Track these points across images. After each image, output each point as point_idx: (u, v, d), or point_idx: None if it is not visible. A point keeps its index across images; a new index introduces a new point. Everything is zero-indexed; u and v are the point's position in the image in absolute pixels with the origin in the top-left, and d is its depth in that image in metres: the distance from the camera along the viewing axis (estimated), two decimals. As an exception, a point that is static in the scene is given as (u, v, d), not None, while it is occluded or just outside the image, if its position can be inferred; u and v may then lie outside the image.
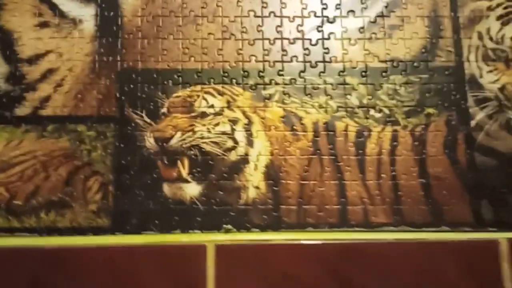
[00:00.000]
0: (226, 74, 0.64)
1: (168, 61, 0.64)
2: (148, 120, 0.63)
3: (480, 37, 0.65)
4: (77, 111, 0.63)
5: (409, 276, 0.59)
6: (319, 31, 0.65)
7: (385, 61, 0.64)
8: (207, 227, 0.60)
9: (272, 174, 0.61)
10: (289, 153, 0.62)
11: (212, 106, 0.63)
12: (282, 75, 0.64)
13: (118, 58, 0.64)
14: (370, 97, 0.63)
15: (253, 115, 0.63)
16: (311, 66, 0.64)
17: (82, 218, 0.60)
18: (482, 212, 0.60)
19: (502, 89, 0.63)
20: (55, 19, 0.65)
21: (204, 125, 0.62)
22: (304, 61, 0.64)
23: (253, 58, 0.64)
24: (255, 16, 0.65)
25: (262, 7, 0.66)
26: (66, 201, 0.60)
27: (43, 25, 0.65)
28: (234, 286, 0.58)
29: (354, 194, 0.61)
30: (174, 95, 0.63)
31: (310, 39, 0.65)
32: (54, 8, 0.65)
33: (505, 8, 0.65)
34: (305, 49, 0.65)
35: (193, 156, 0.61)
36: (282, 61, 0.64)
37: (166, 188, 0.61)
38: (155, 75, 0.64)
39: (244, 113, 0.63)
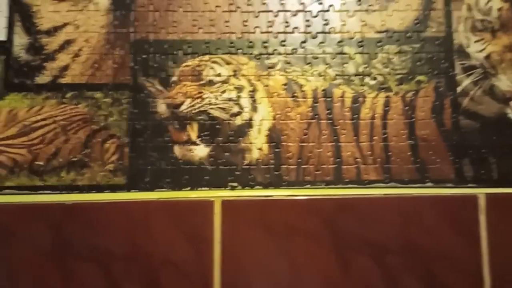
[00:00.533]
0: (232, 44, 0.66)
1: (178, 33, 0.66)
2: (160, 88, 0.65)
3: (469, 8, 0.66)
4: (93, 79, 0.65)
5: (397, 226, 0.61)
6: (319, 3, 0.67)
7: (380, 32, 0.66)
8: (214, 185, 0.63)
9: (274, 137, 0.64)
10: (290, 117, 0.64)
11: (219, 75, 0.65)
12: (284, 45, 0.66)
13: (131, 30, 0.66)
14: (365, 65, 0.65)
15: (257, 83, 0.65)
16: (312, 37, 0.66)
17: (100, 177, 0.63)
18: (464, 170, 0.63)
19: (487, 57, 0.65)
20: (71, -7, 0.66)
21: (211, 92, 0.65)
22: (305, 32, 0.66)
23: (258, 29, 0.66)
24: (260, -11, 0.67)
25: (267, -19, 0.67)
26: (85, 161, 0.63)
27: (61, -2, 0.66)
28: (239, 237, 0.61)
29: (349, 154, 0.64)
30: (184, 64, 0.65)
31: (311, 11, 0.67)
32: (70, -18, 0.66)
33: (494, -19, 0.66)
34: (306, 20, 0.67)
35: (201, 121, 0.64)
36: (285, 32, 0.66)
37: (177, 150, 0.63)
38: (166, 46, 0.65)
39: (249, 81, 0.65)
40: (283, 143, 0.64)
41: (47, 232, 0.61)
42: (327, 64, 0.66)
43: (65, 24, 0.66)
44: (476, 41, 0.66)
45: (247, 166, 0.64)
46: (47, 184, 0.63)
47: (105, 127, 0.64)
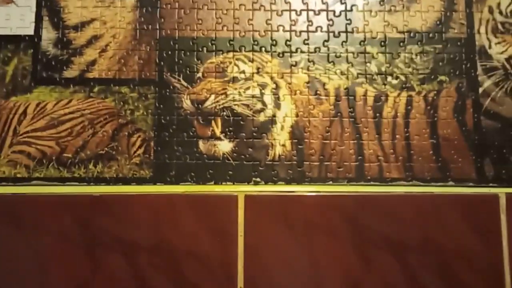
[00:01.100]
0: (256, 42, 0.67)
1: (203, 30, 0.67)
2: (185, 84, 0.66)
3: (491, 11, 0.67)
4: (120, 75, 0.66)
5: (418, 225, 0.62)
6: (342, 3, 0.67)
7: (403, 32, 0.67)
8: (238, 180, 0.63)
9: (297, 133, 0.65)
10: (313, 115, 0.65)
11: (243, 72, 0.66)
12: (307, 44, 0.67)
13: (157, 27, 0.67)
14: (388, 65, 0.66)
15: (280, 81, 0.66)
16: (334, 36, 0.67)
17: (127, 170, 0.64)
18: (485, 169, 0.64)
19: (508, 59, 0.66)
20: (98, -11, 0.67)
21: (235, 89, 0.66)
22: (328, 31, 0.67)
23: (281, 28, 0.67)
24: (284, -11, 0.68)
25: (290, -20, 0.68)
26: (112, 154, 0.64)
27: (87, -6, 0.68)
28: (261, 231, 0.62)
29: (371, 152, 0.64)
30: (209, 61, 0.66)
31: (334, 11, 0.67)
32: (97, -21, 0.67)
33: (515, -16, 0.67)
34: (329, 20, 0.67)
35: (225, 117, 0.65)
36: (308, 31, 0.67)
37: (201, 145, 0.64)
38: (191, 43, 0.66)
39: (272, 78, 0.66)
40: (305, 140, 0.65)
41: (74, 223, 0.62)
42: (349, 63, 0.66)
43: (92, 20, 0.67)
44: (497, 43, 0.66)
45: (270, 162, 0.64)
46: (74, 176, 0.64)
47: (132, 121, 0.65)
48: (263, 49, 0.67)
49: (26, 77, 0.66)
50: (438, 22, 0.67)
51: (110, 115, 0.65)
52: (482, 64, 0.66)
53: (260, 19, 0.67)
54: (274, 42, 0.67)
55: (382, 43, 0.67)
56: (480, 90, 0.66)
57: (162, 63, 0.66)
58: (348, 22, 0.67)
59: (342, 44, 0.67)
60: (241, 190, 0.63)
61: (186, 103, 0.65)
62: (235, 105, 0.65)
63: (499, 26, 0.67)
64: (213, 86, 0.66)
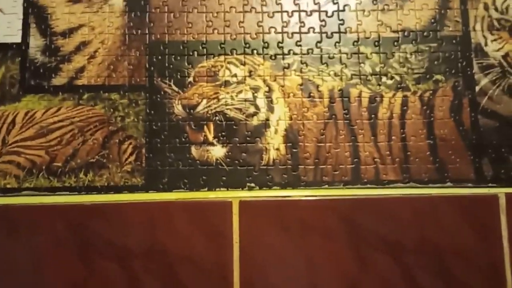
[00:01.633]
0: (247, 45, 0.66)
1: (193, 34, 0.66)
2: (176, 89, 0.65)
3: (486, 7, 0.66)
4: (110, 81, 0.65)
5: (416, 226, 0.61)
6: (334, 3, 0.67)
7: (397, 31, 0.66)
8: (232, 185, 0.63)
9: (291, 137, 0.64)
10: (307, 117, 0.64)
11: (235, 75, 0.65)
12: (300, 45, 0.66)
13: (147, 31, 0.66)
14: (382, 65, 0.65)
15: (273, 83, 0.65)
16: (327, 37, 0.66)
17: (118, 178, 0.63)
18: (483, 169, 0.63)
19: (505, 56, 0.65)
20: (86, -5, 0.67)
21: (227, 93, 0.65)
22: (321, 32, 0.66)
23: (273, 29, 0.66)
24: (274, -10, 0.67)
25: (281, -19, 0.67)
26: (103, 162, 0.63)
27: (75, 0, 0.66)
28: (257, 236, 0.61)
29: (367, 154, 0.63)
30: (200, 65, 0.65)
31: (326, 11, 0.67)
32: (85, -16, 0.66)
33: (510, -20, 0.66)
34: (321, 20, 0.66)
35: (218, 121, 0.64)
36: (300, 32, 0.66)
37: (194, 151, 0.63)
38: (181, 47, 0.65)
39: (264, 81, 0.65)
40: (300, 143, 0.64)
41: (67, 232, 0.61)
42: (343, 64, 0.66)
43: (80, 26, 0.66)
44: (493, 40, 0.65)
45: (265, 167, 0.64)
46: (65, 185, 0.63)
47: (122, 128, 0.64)
48: (255, 51, 0.66)
49: (14, 85, 0.65)
50: (432, 20, 0.66)
51: (100, 123, 0.65)
52: (478, 62, 0.65)
53: (251, 21, 0.66)
54: (266, 44, 0.66)
55: (376, 43, 0.66)
56: (477, 88, 0.65)
57: (152, 68, 0.66)
58: (341, 22, 0.67)
59: (335, 45, 0.66)
60: (236, 196, 0.62)
61: (178, 109, 0.64)
62: (227, 109, 0.64)
63: (495, 23, 0.66)
64: (205, 91, 0.65)
